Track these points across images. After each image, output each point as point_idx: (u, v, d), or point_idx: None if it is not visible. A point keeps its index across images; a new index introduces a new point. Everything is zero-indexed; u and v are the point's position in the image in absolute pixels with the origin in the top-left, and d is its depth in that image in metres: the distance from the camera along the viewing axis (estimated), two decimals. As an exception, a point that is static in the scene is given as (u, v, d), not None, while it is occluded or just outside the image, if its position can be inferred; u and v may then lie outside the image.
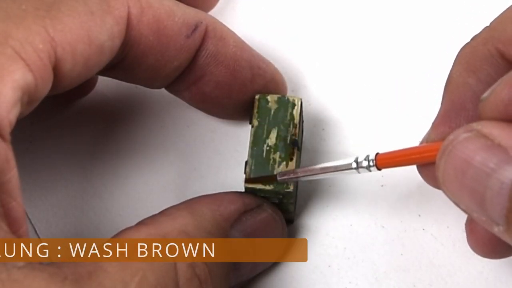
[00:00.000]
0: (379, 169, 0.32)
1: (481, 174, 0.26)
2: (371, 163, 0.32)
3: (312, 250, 0.37)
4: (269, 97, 0.35)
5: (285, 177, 0.33)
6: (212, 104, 0.37)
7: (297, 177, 0.33)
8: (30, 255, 0.26)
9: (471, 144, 0.27)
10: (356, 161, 0.32)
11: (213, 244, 0.31)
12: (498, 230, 0.27)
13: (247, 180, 0.34)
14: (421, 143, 0.34)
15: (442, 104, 0.32)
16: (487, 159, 0.26)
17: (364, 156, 0.32)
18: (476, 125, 0.27)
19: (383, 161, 0.31)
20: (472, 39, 0.32)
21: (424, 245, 0.37)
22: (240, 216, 0.33)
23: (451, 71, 0.32)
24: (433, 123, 0.32)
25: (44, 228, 0.38)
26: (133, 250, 0.28)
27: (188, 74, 0.35)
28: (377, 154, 0.32)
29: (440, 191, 0.37)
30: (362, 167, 0.32)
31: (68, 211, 0.38)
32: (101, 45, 0.31)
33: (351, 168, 0.32)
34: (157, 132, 0.40)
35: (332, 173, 0.33)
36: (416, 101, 0.40)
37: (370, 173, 0.32)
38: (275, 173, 0.34)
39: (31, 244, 0.26)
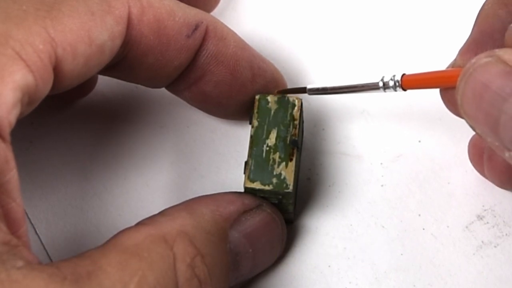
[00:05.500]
0: (404, 89, 0.33)
1: (497, 98, 0.27)
2: (397, 83, 0.33)
3: (312, 250, 0.37)
4: (269, 97, 0.35)
5: (314, 90, 0.35)
6: (212, 104, 0.37)
7: (325, 93, 0.35)
8: (29, 256, 0.26)
9: (490, 68, 0.27)
10: (382, 80, 0.33)
11: (212, 244, 0.31)
12: (509, 156, 0.28)
13: (277, 92, 0.36)
14: (447, 68, 0.34)
15: (471, 33, 0.33)
16: (504, 84, 0.27)
17: (390, 76, 0.33)
18: (498, 51, 0.27)
19: (408, 82, 0.32)
20: None
21: (424, 245, 0.37)
22: (240, 216, 0.33)
23: (484, 3, 0.33)
24: (461, 50, 0.33)
25: (44, 228, 0.38)
26: (132, 250, 0.28)
27: (189, 73, 0.35)
28: (403, 74, 0.33)
29: (440, 192, 0.38)
30: (388, 86, 0.33)
31: (68, 211, 0.38)
32: (102, 45, 0.31)
33: (378, 87, 0.33)
34: (157, 132, 0.40)
35: (359, 91, 0.34)
36: (416, 100, 0.40)
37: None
38: (275, 173, 0.34)
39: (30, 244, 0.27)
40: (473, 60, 0.28)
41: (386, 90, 0.33)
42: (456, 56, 0.33)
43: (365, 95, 0.39)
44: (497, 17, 0.32)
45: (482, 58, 0.28)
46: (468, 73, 0.28)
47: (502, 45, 0.30)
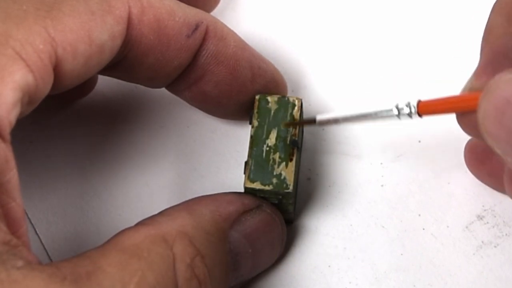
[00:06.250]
0: (420, 116, 0.31)
1: None
2: (412, 110, 0.31)
3: (312, 250, 0.37)
4: (269, 98, 0.35)
5: (325, 121, 0.33)
6: (212, 104, 0.37)
7: (337, 123, 0.33)
8: (29, 256, 0.26)
9: None
10: (397, 107, 0.31)
11: (212, 244, 0.31)
12: None
13: (285, 124, 0.34)
14: (462, 92, 0.33)
15: (482, 54, 0.32)
16: None
17: (405, 103, 0.31)
18: None
19: (425, 108, 0.31)
20: None
21: (424, 245, 0.37)
22: (240, 216, 0.33)
23: (489, 21, 0.32)
24: (475, 73, 0.32)
25: (44, 228, 0.38)
26: (132, 250, 0.28)
27: (189, 73, 0.35)
28: (419, 101, 0.31)
29: (439, 193, 0.38)
30: (403, 113, 0.31)
31: (68, 211, 0.38)
32: (102, 45, 0.31)
33: (392, 115, 0.32)
34: (157, 132, 0.40)
35: (372, 119, 0.32)
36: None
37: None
38: (275, 174, 0.34)
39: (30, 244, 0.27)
40: (496, 77, 0.27)
41: (401, 118, 0.31)
42: (470, 80, 0.32)
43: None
44: (509, 35, 0.31)
45: (506, 74, 0.27)
46: (491, 90, 0.27)
47: None
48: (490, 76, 0.30)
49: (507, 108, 0.27)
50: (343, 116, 0.33)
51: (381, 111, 0.32)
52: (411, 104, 0.31)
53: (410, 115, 0.31)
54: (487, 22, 0.32)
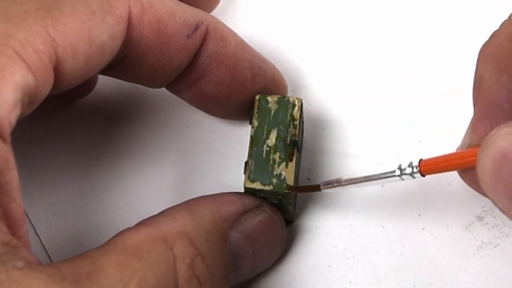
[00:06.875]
0: (423, 175, 0.32)
1: None
2: (414, 170, 0.31)
3: (312, 250, 0.37)
4: (269, 98, 0.35)
5: (329, 186, 0.34)
6: (212, 104, 0.37)
7: (341, 186, 0.34)
8: (30, 256, 0.26)
9: (509, 138, 0.27)
10: (399, 168, 0.32)
11: (212, 244, 0.31)
12: None
13: (290, 188, 0.34)
14: (460, 147, 0.33)
15: (476, 106, 0.32)
16: None
17: (407, 163, 0.32)
18: None
19: (427, 167, 0.31)
20: (493, 36, 0.32)
21: (424, 245, 0.37)
22: (240, 216, 0.33)
23: (478, 71, 0.32)
24: (472, 126, 0.32)
25: (44, 228, 0.38)
26: (132, 250, 0.28)
27: (189, 73, 0.35)
28: (420, 160, 0.31)
29: (440, 192, 0.38)
30: (405, 174, 0.32)
31: (68, 211, 0.38)
32: (102, 45, 0.31)
33: (395, 175, 0.32)
34: (157, 132, 0.40)
35: (375, 181, 0.33)
36: (416, 100, 0.40)
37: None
38: (275, 174, 0.34)
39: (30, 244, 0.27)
40: (493, 132, 0.27)
41: (404, 178, 0.32)
42: (466, 133, 0.32)
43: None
44: (501, 84, 0.31)
45: (502, 129, 0.27)
46: (488, 144, 0.27)
47: None
48: (487, 128, 0.31)
49: (504, 163, 0.26)
50: (347, 178, 0.34)
51: (384, 173, 0.32)
52: (413, 165, 0.31)
53: (412, 175, 0.32)
54: (475, 72, 0.32)
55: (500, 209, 0.28)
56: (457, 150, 0.34)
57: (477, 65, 0.32)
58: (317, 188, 0.34)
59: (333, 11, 0.42)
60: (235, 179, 0.38)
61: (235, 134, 0.39)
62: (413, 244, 0.37)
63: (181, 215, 0.31)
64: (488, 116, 0.31)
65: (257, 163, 0.34)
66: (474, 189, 0.32)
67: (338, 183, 0.34)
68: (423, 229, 0.37)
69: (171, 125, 0.40)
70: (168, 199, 0.38)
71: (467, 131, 0.32)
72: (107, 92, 0.40)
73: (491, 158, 0.27)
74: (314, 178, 0.38)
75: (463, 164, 0.30)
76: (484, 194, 0.28)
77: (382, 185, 0.37)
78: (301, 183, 0.38)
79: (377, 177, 0.33)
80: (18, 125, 0.28)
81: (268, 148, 0.34)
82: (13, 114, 0.27)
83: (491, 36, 0.32)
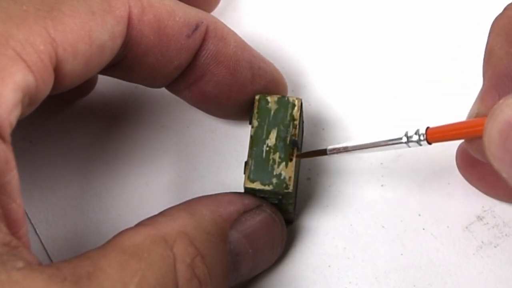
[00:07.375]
0: (429, 143, 0.31)
1: None
2: (421, 137, 0.31)
3: (312, 250, 0.37)
4: (269, 98, 0.35)
5: (335, 151, 0.34)
6: (212, 104, 0.37)
7: (347, 152, 0.34)
8: (30, 256, 0.26)
9: None
10: (406, 135, 0.32)
11: (212, 244, 0.31)
12: None
13: (298, 155, 0.34)
14: (468, 117, 0.33)
15: (485, 77, 0.32)
16: None
17: (414, 130, 0.32)
18: None
19: (433, 135, 0.31)
20: (506, 9, 0.32)
21: (424, 245, 0.37)
22: (240, 216, 0.33)
23: (489, 43, 0.32)
24: (480, 97, 0.32)
25: (44, 228, 0.38)
26: (132, 250, 0.28)
27: (189, 73, 0.35)
28: (427, 128, 0.31)
29: (440, 192, 0.38)
30: (412, 141, 0.32)
31: (68, 211, 0.38)
32: (102, 45, 0.31)
33: (401, 142, 0.32)
34: (157, 132, 0.40)
35: (382, 147, 0.33)
36: (416, 100, 0.40)
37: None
38: (275, 174, 0.34)
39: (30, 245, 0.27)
40: (501, 101, 0.27)
41: (410, 145, 0.32)
42: (475, 103, 0.32)
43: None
44: (511, 56, 0.31)
45: (509, 98, 0.27)
46: (495, 115, 0.27)
47: None
48: (495, 99, 0.30)
49: (511, 132, 0.27)
50: (353, 145, 0.34)
51: (391, 140, 0.32)
52: (420, 132, 0.31)
53: (418, 142, 0.32)
54: (487, 44, 0.32)
55: (504, 179, 0.28)
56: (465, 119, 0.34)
57: (488, 37, 0.32)
58: (323, 152, 0.34)
59: (333, 11, 0.42)
60: (235, 179, 0.38)
61: (235, 134, 0.39)
62: (413, 244, 0.37)
63: (181, 215, 0.31)
64: (497, 87, 0.31)
65: (257, 163, 0.34)
66: (479, 157, 0.32)
67: (345, 148, 0.34)
68: (423, 229, 0.37)
69: (171, 125, 0.40)
70: (168, 199, 0.38)
71: (475, 101, 0.32)
72: (107, 92, 0.40)
73: (498, 127, 0.27)
74: (314, 178, 0.38)
75: (470, 133, 0.30)
76: (489, 163, 0.28)
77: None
78: (301, 183, 0.38)
79: (383, 143, 0.33)
80: (18, 125, 0.28)
81: (268, 148, 0.34)
82: (13, 114, 0.27)
83: (504, 9, 0.32)
